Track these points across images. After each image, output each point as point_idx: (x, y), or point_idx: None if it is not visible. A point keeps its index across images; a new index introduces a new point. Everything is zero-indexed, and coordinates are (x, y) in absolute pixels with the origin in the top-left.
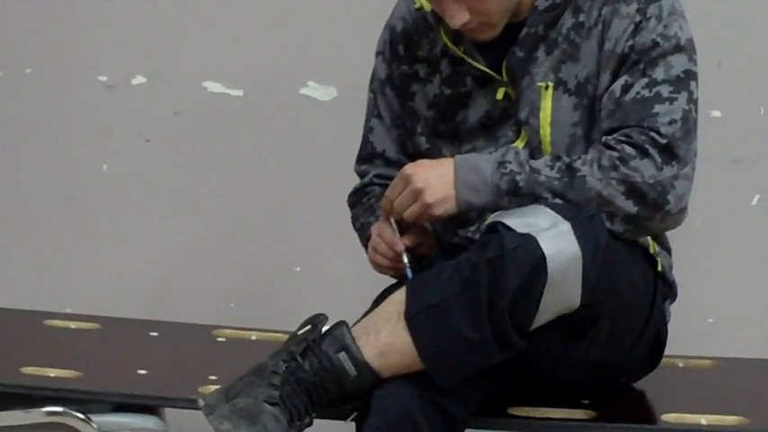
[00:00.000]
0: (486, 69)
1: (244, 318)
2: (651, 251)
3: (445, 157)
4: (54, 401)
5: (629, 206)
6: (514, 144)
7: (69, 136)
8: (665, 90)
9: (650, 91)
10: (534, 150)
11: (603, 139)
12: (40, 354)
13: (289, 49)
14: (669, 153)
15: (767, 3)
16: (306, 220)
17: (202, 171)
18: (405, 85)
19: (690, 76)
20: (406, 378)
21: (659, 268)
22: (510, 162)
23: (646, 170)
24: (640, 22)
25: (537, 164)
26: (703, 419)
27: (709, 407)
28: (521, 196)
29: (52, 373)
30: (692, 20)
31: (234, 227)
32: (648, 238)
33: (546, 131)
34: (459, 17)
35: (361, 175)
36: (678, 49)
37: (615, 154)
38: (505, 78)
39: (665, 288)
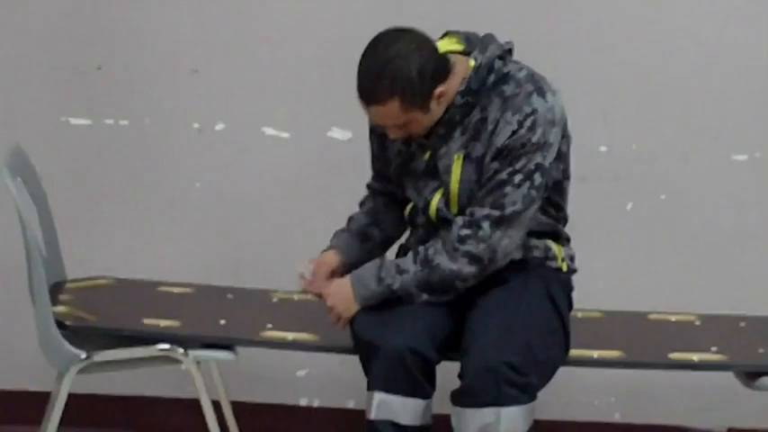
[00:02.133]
0: (421, 140)
1: (290, 284)
2: (564, 269)
3: (410, 187)
4: (164, 341)
5: (473, 269)
6: (435, 194)
7: (174, 162)
8: (517, 178)
9: (507, 176)
10: (448, 198)
11: (458, 218)
12: (154, 309)
13: (318, 101)
14: (499, 223)
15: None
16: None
17: (259, 189)
18: (382, 139)
19: (539, 168)
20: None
21: (565, 269)
22: (385, 277)
23: (478, 241)
24: (517, 129)
25: (406, 263)
26: (595, 354)
27: (598, 345)
28: (399, 294)
29: (162, 323)
30: (578, 74)
31: (277, 229)
32: (555, 251)
33: (455, 187)
34: (393, 135)
35: (369, 187)
36: (537, 148)
37: (456, 236)
38: (431, 147)
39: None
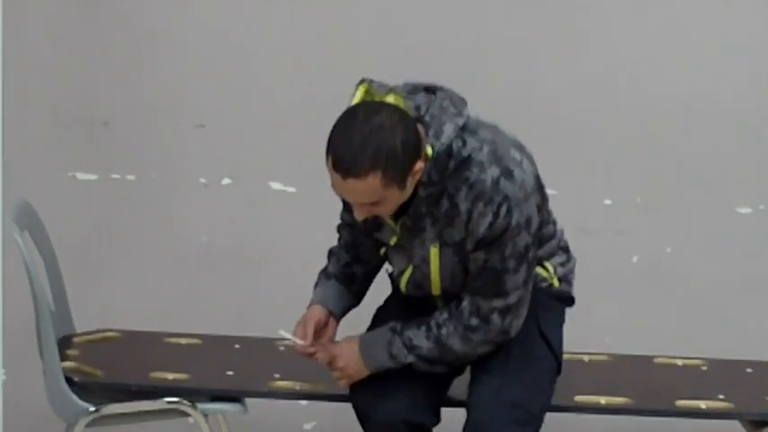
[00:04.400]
0: (389, 222)
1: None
2: (556, 285)
3: (376, 243)
4: (172, 394)
5: (487, 348)
6: (406, 271)
7: (181, 216)
8: (511, 263)
9: (501, 265)
10: (421, 278)
11: (465, 302)
12: (162, 362)
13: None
14: (507, 312)
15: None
16: None
17: (264, 243)
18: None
19: (528, 247)
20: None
21: (557, 284)
22: (397, 354)
23: (489, 332)
24: (494, 219)
25: (418, 339)
26: (602, 400)
27: (605, 391)
28: (412, 366)
29: (170, 376)
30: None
31: (283, 280)
32: (542, 274)
33: (436, 276)
34: (360, 215)
35: (338, 228)
36: (520, 229)
37: (467, 325)
38: (398, 231)
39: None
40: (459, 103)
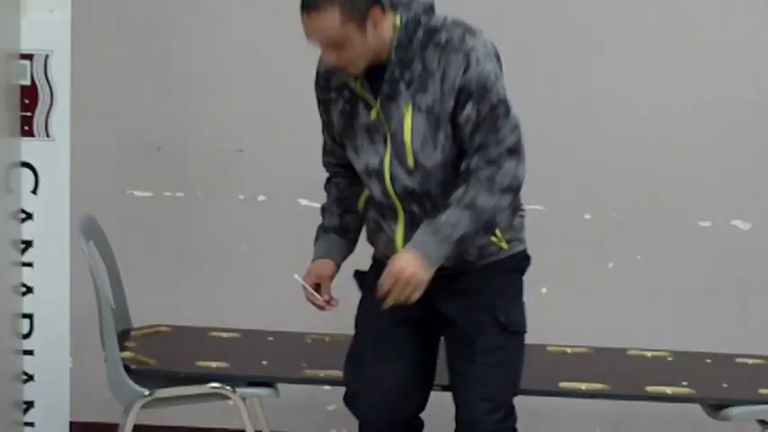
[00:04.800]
0: (368, 97)
1: (325, 326)
2: (505, 247)
3: (349, 147)
4: (215, 380)
5: (508, 198)
6: (386, 153)
7: (223, 228)
8: (500, 109)
9: (491, 113)
10: (399, 150)
11: (471, 161)
12: (206, 352)
13: None
14: (512, 153)
15: None
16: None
17: (294, 250)
18: (326, 105)
19: (506, 96)
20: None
21: (506, 246)
22: (447, 235)
23: (504, 176)
24: (467, 66)
25: (453, 216)
26: (583, 386)
27: (586, 378)
28: (459, 242)
29: (213, 364)
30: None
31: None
32: (499, 236)
33: (408, 138)
34: (329, 59)
35: (326, 165)
36: (495, 78)
37: (485, 178)
38: (378, 105)
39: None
40: (432, 3)
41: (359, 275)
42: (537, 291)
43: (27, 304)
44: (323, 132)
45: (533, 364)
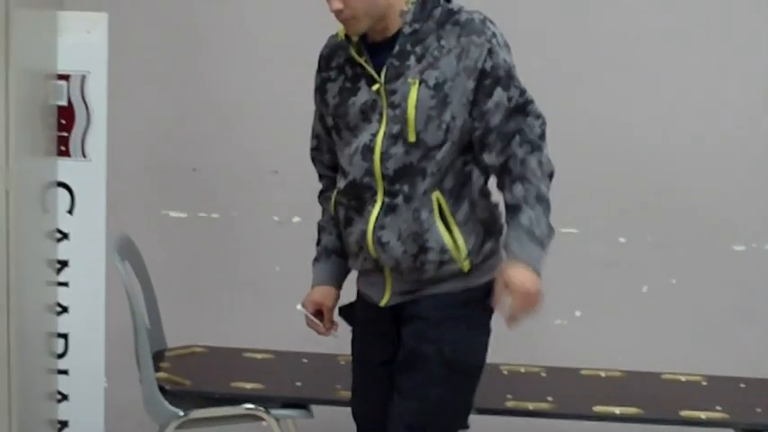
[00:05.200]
0: (371, 71)
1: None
2: (466, 269)
3: (342, 128)
4: (249, 401)
5: (549, 180)
6: (380, 129)
7: (257, 249)
8: (527, 95)
9: (520, 97)
10: (399, 125)
11: (513, 150)
12: (240, 373)
13: None
14: (543, 138)
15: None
16: None
17: None
18: (323, 84)
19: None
20: None
21: (468, 268)
22: (541, 237)
23: (547, 160)
24: (492, 48)
25: (529, 213)
26: (617, 410)
27: (619, 402)
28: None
29: (248, 385)
30: (602, 177)
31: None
32: (451, 249)
33: (411, 112)
34: (335, 5)
35: (313, 159)
36: (514, 69)
37: (536, 163)
38: (383, 80)
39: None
40: None
41: (345, 311)
42: (571, 314)
43: (62, 324)
44: (314, 126)
45: (567, 387)
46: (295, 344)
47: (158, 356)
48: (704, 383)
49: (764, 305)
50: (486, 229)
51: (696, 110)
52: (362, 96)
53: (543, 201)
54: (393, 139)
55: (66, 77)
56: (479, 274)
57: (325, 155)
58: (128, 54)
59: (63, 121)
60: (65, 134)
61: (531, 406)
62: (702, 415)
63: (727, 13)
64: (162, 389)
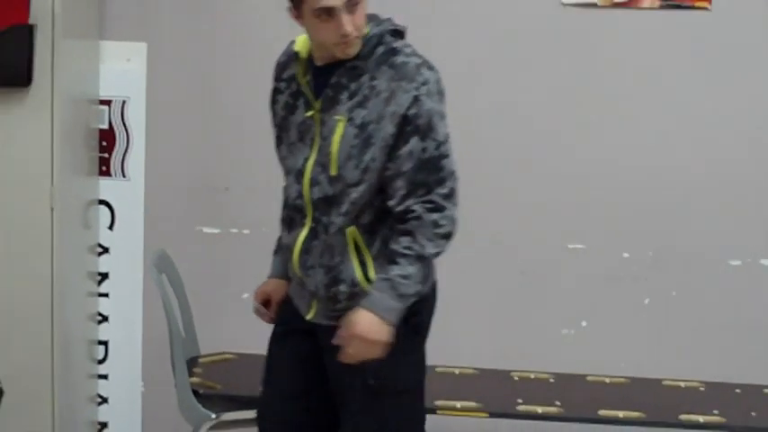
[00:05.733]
0: (310, 96)
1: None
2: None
3: (284, 141)
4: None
5: (446, 244)
6: (311, 155)
7: None
8: (443, 148)
9: (436, 150)
10: (324, 157)
11: (413, 204)
12: None
13: None
14: (451, 196)
15: None
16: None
17: None
18: (274, 94)
19: (448, 137)
20: None
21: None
22: (404, 292)
23: (448, 221)
24: (417, 95)
25: (403, 268)
26: (621, 414)
27: (623, 406)
28: (413, 297)
29: None
30: (605, 196)
31: None
32: (361, 281)
33: (335, 147)
34: (347, 28)
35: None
36: (441, 117)
37: (431, 222)
38: (318, 106)
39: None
40: (401, 26)
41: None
42: (577, 324)
43: (102, 332)
44: (275, 138)
45: (574, 392)
46: None
47: (192, 362)
48: (702, 389)
49: (758, 316)
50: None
51: (692, 136)
52: (299, 116)
53: (423, 260)
54: (321, 167)
55: (107, 102)
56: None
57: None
58: (165, 81)
59: (104, 143)
60: (106, 155)
61: (539, 410)
62: (701, 418)
63: (716, 45)
64: (195, 393)
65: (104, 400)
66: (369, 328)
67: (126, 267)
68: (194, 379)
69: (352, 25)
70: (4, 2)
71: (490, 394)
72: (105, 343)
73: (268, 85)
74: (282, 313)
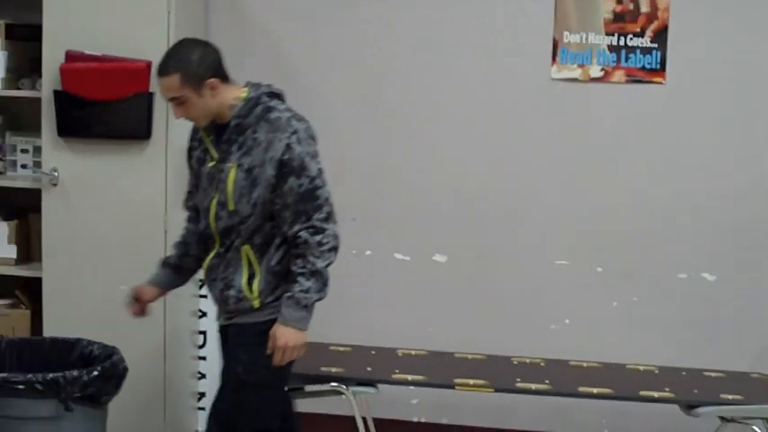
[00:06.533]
0: (212, 151)
1: (410, 343)
2: (257, 306)
3: (199, 187)
4: (334, 381)
5: (334, 256)
6: (215, 196)
7: (343, 272)
8: (317, 182)
9: (310, 184)
10: (223, 197)
11: (299, 230)
12: (328, 361)
13: (426, 236)
14: (329, 219)
15: None
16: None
17: (391, 290)
18: (190, 150)
19: (321, 169)
20: None
21: (258, 305)
22: (307, 304)
23: (329, 238)
24: (289, 143)
25: (303, 284)
26: (594, 390)
27: (597, 384)
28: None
29: (333, 369)
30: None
31: (399, 311)
32: (245, 289)
33: (230, 188)
34: (176, 113)
35: (186, 207)
36: (312, 156)
37: (315, 243)
38: (217, 158)
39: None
40: (278, 89)
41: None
42: (562, 321)
43: (202, 324)
44: (188, 181)
45: (560, 373)
46: (366, 340)
47: None
48: (656, 372)
49: (699, 316)
50: (281, 278)
51: (649, 181)
52: (207, 167)
53: (317, 274)
54: (221, 205)
55: None
56: (271, 310)
57: (194, 201)
58: None
59: None
60: None
61: (533, 386)
62: (655, 394)
63: (669, 111)
64: None
65: (203, 376)
66: (287, 338)
67: None
68: None
69: (182, 113)
70: (131, 76)
71: (495, 374)
72: (204, 333)
73: (330, 133)
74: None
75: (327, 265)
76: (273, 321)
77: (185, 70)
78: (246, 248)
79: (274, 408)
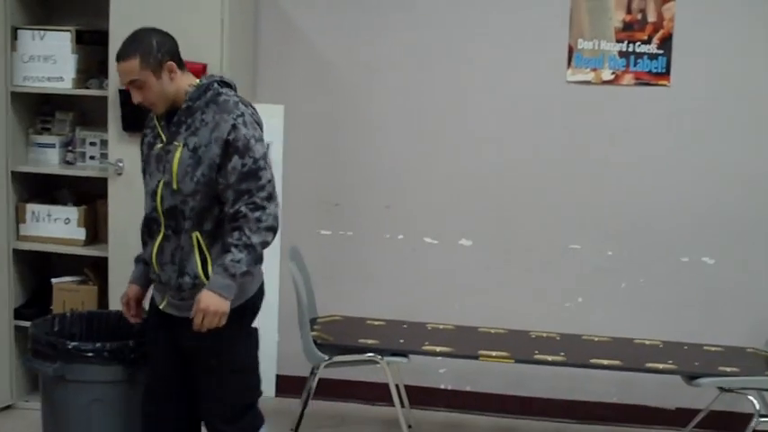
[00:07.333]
0: (162, 134)
1: (437, 318)
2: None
3: (146, 170)
4: (370, 351)
5: (271, 235)
6: (162, 178)
7: (376, 253)
8: (261, 163)
9: (254, 165)
10: (168, 177)
11: (240, 206)
12: (364, 333)
13: (454, 222)
14: (270, 198)
15: None
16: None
17: (422, 269)
18: (143, 137)
19: (265, 153)
20: None
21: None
22: (235, 273)
23: (268, 216)
24: (235, 124)
25: (235, 255)
26: (605, 361)
27: (607, 356)
28: (245, 274)
29: (369, 341)
30: (590, 201)
31: (432, 286)
32: (201, 275)
33: (175, 167)
34: (135, 97)
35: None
36: (257, 139)
37: (254, 219)
38: (165, 140)
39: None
40: (230, 80)
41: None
42: (576, 300)
43: None
44: (141, 161)
45: (574, 348)
46: (399, 315)
47: (312, 322)
48: (661, 346)
49: (700, 297)
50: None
51: (657, 174)
52: (156, 149)
53: (250, 248)
54: (166, 185)
55: None
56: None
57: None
58: (295, 130)
59: None
60: None
61: (550, 358)
62: (660, 366)
63: (674, 111)
64: (315, 342)
65: None
66: (210, 302)
67: (269, 258)
68: (314, 332)
69: (141, 97)
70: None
71: (516, 347)
72: None
73: (370, 142)
74: (149, 309)
75: (263, 243)
76: (239, 310)
77: (144, 53)
78: (197, 234)
79: (253, 389)
